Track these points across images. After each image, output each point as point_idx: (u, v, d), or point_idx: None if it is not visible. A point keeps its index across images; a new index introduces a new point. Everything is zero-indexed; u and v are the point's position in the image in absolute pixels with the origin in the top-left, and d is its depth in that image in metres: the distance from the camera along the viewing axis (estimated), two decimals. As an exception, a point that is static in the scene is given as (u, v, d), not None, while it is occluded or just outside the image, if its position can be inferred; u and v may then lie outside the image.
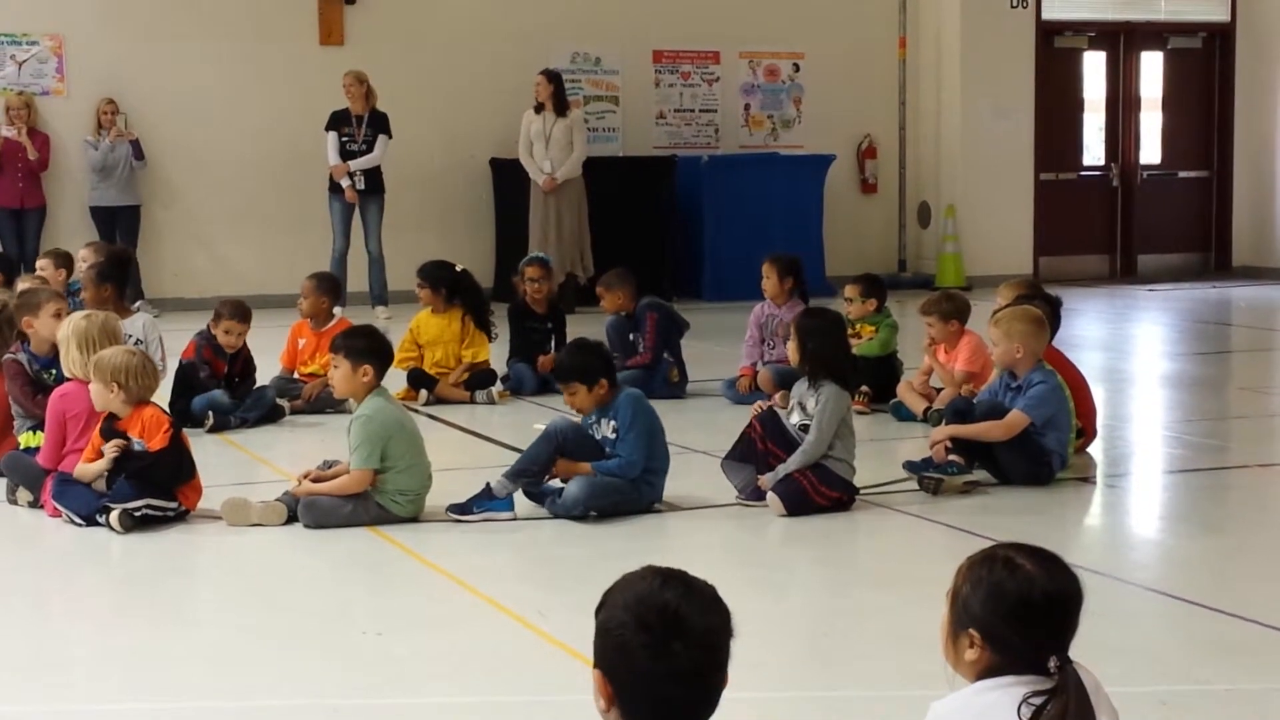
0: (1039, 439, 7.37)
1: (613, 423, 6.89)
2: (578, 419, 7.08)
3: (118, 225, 14.93)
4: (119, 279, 9.64)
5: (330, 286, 10.41)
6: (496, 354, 10.55)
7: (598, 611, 2.68)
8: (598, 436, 6.95)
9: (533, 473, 6.91)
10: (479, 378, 10.14)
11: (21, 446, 7.46)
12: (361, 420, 6.78)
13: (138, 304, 12.59)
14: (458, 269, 10.51)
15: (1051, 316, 8.03)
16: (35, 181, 14.82)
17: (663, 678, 2.58)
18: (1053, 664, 2.94)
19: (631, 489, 6.87)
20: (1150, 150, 18.69)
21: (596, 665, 2.65)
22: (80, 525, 6.74)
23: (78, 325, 7.14)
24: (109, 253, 10.48)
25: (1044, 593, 2.97)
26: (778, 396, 8.51)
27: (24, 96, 14.94)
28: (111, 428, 6.85)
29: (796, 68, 17.56)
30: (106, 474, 6.78)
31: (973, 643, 3.00)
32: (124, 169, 15.00)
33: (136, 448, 6.78)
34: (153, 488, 6.71)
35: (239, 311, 9.47)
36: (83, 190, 15.08)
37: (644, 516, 6.89)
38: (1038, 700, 2.88)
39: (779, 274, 9.97)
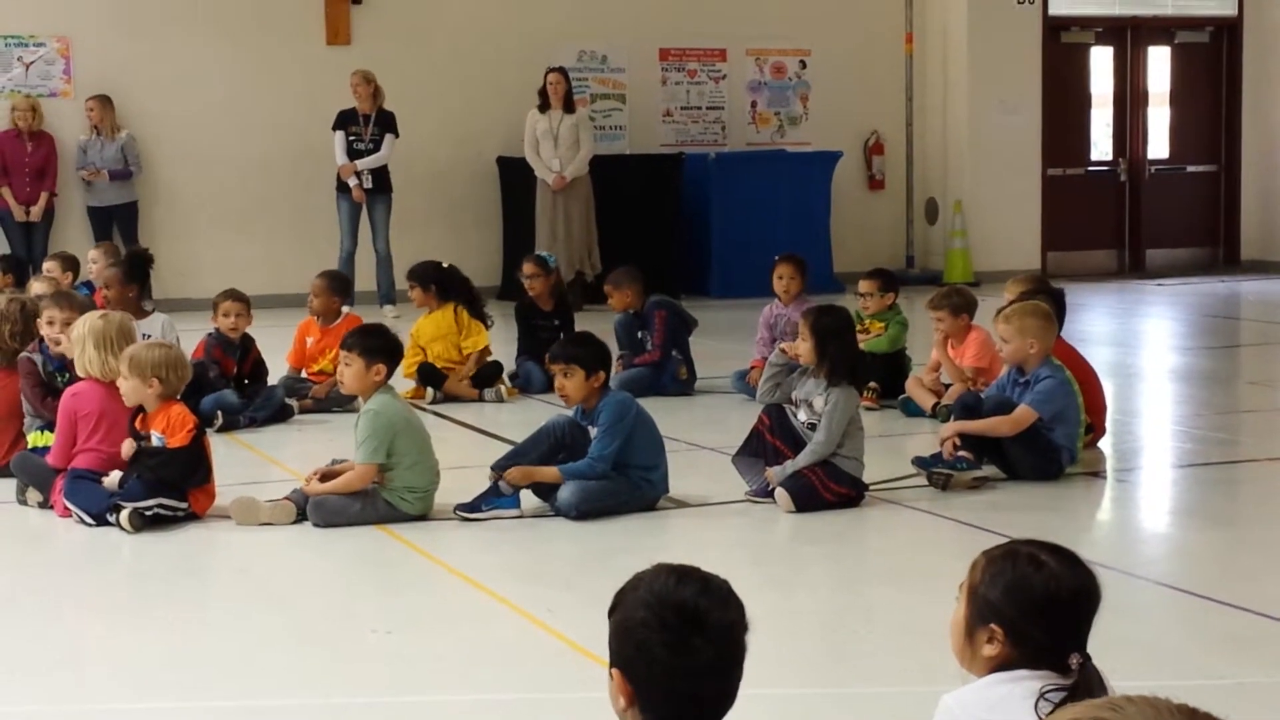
0: (1048, 434, 7.36)
1: (596, 427, 6.89)
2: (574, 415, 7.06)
3: (115, 223, 14.90)
4: (143, 279, 9.74)
5: (341, 286, 10.46)
6: (505, 352, 10.57)
7: (612, 611, 2.68)
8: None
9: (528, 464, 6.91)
10: (487, 374, 10.13)
11: (30, 446, 7.47)
12: (369, 415, 6.79)
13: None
14: (444, 265, 10.52)
15: (1057, 309, 8.03)
16: (43, 184, 14.81)
17: (684, 674, 2.58)
18: (1074, 661, 2.94)
19: (628, 489, 6.86)
20: (1158, 145, 18.66)
21: (614, 665, 2.64)
22: (90, 525, 6.75)
23: (94, 325, 7.15)
24: (131, 253, 10.52)
25: (1070, 589, 2.98)
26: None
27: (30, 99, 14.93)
28: (135, 427, 6.87)
29: (803, 65, 17.55)
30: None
31: (992, 638, 3.00)
32: (117, 168, 14.93)
33: (156, 442, 6.80)
34: (164, 487, 6.72)
35: (233, 293, 9.62)
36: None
37: (652, 514, 6.89)
38: (1055, 696, 2.88)
39: (802, 274, 9.96)
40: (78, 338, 7.17)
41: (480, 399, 9.99)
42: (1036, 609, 2.96)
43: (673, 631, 2.58)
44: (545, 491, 6.92)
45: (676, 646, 2.57)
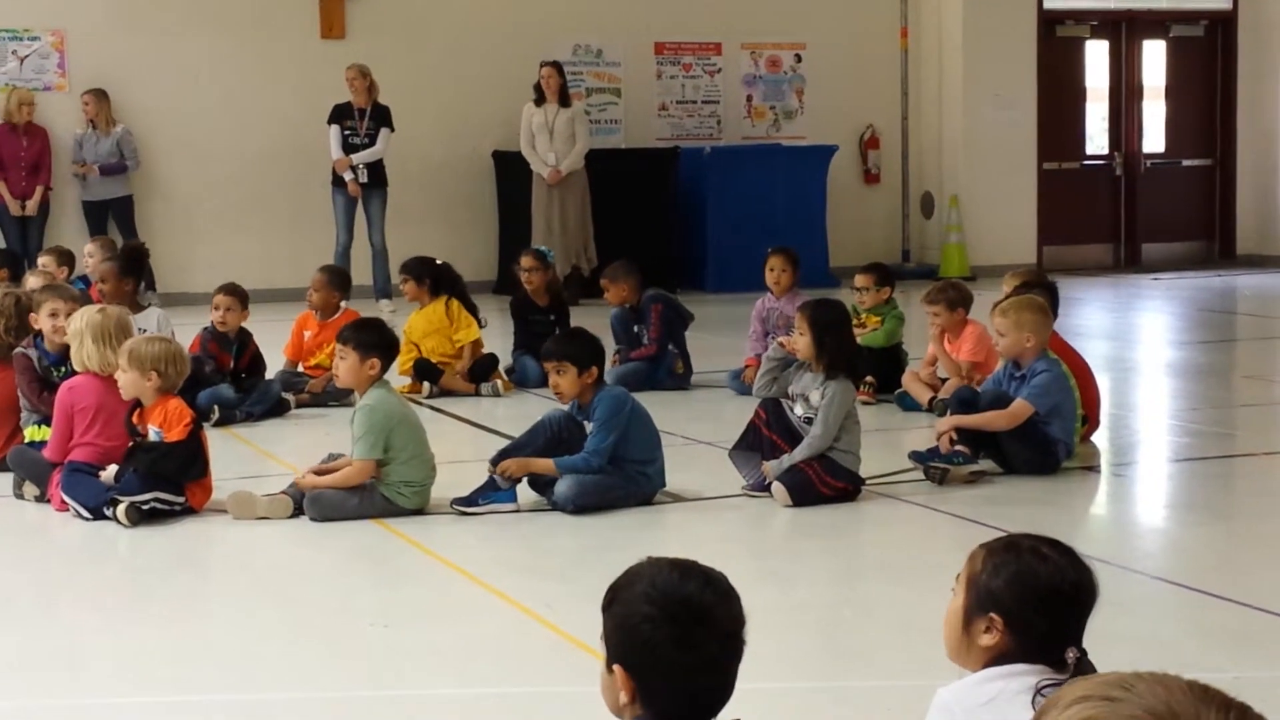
0: (1044, 428, 7.36)
1: (591, 423, 6.89)
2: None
3: (111, 218, 14.89)
4: (138, 273, 9.76)
5: (341, 281, 10.50)
6: (501, 346, 10.57)
7: (607, 606, 2.67)
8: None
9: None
10: (482, 368, 10.12)
11: (27, 440, 7.48)
12: (365, 410, 6.79)
13: (149, 298, 12.58)
14: (438, 261, 10.54)
15: (1051, 302, 8.04)
16: (38, 178, 14.79)
17: (690, 669, 2.59)
18: (1071, 655, 2.94)
19: (625, 483, 6.86)
20: (1153, 139, 18.67)
21: (615, 661, 2.63)
22: (87, 519, 6.74)
23: (92, 319, 7.15)
24: (127, 247, 10.53)
25: (1073, 583, 2.99)
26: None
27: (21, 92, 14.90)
28: (132, 423, 6.87)
29: (798, 58, 17.55)
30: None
31: (991, 627, 3.00)
32: (111, 162, 14.92)
33: (154, 436, 6.80)
34: (161, 481, 6.72)
35: (226, 286, 9.60)
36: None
37: (648, 508, 6.90)
38: (1051, 690, 2.87)
39: (794, 266, 9.97)
40: (75, 332, 7.17)
41: (477, 393, 9.99)
42: (1039, 599, 2.97)
43: (680, 627, 2.58)
44: (542, 486, 6.92)
45: (684, 642, 2.58)
